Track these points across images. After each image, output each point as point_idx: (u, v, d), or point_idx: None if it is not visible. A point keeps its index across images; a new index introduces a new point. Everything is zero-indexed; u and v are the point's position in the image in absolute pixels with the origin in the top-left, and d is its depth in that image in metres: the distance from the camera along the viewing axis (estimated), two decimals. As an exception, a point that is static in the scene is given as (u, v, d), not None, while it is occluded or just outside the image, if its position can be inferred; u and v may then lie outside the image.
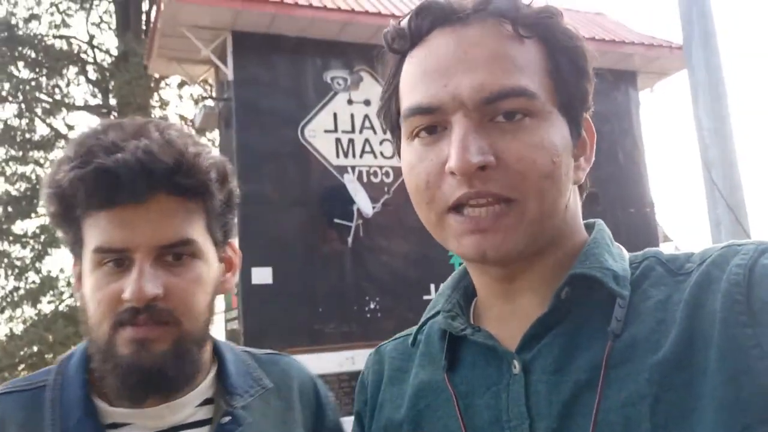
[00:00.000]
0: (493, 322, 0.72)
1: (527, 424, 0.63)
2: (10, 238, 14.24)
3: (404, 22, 0.70)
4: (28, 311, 14.01)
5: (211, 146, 0.91)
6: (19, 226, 14.49)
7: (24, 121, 14.62)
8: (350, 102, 8.74)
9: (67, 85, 14.88)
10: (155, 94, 15.09)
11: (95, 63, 15.25)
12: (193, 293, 0.87)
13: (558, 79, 0.67)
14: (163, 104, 15.45)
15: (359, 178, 8.54)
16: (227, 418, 0.90)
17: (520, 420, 0.63)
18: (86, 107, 15.12)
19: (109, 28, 15.53)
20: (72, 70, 14.93)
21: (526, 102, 0.64)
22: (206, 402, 0.93)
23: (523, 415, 0.63)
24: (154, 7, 15.07)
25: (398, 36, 0.70)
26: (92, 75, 15.24)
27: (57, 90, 14.74)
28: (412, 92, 0.67)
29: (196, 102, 15.25)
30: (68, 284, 14.42)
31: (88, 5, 15.23)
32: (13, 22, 14.24)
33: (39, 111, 14.61)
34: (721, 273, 0.60)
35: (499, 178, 0.62)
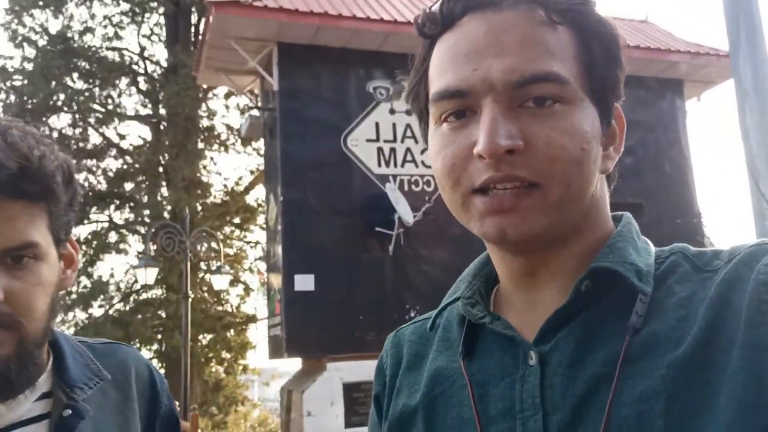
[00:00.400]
0: (512, 311, 0.71)
1: (540, 416, 0.62)
2: (64, 243, 14.69)
3: (436, 7, 0.69)
4: (80, 315, 14.47)
5: (53, 143, 0.90)
6: (73, 233, 14.95)
7: (77, 131, 15.14)
8: (392, 112, 8.83)
9: (119, 95, 15.35)
10: (203, 104, 15.45)
11: (146, 74, 15.70)
12: (35, 296, 0.86)
13: (590, 66, 0.66)
14: (211, 114, 15.80)
15: (400, 186, 8.60)
16: (68, 412, 0.90)
17: (533, 411, 0.63)
18: (137, 117, 15.57)
19: (159, 40, 15.99)
20: (123, 81, 15.40)
21: (558, 88, 0.63)
22: (43, 396, 0.92)
23: (537, 407, 0.63)
24: (203, 20, 15.49)
25: (429, 20, 0.69)
26: (143, 86, 15.69)
27: (109, 100, 15.22)
28: (441, 76, 0.67)
29: (242, 112, 15.56)
30: (118, 289, 14.85)
31: (139, 18, 15.70)
32: (69, 35, 14.80)
33: (92, 121, 15.11)
34: (749, 272, 0.58)
35: (526, 162, 0.62)
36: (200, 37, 9.94)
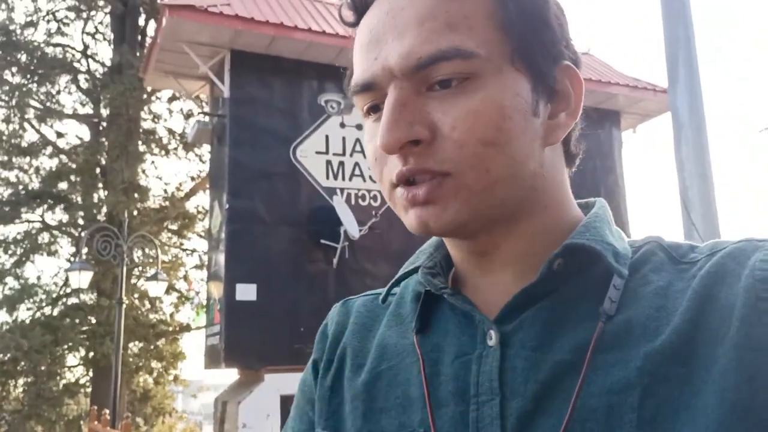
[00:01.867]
0: (470, 292, 0.65)
1: (498, 401, 0.57)
2: (-9, 242, 14.13)
3: None
4: (3, 317, 13.86)
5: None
6: (1, 231, 14.41)
7: (12, 126, 14.60)
8: (342, 125, 8.90)
9: (58, 92, 14.91)
10: (146, 106, 15.16)
11: (88, 72, 15.31)
12: None
13: (509, 27, 0.59)
14: (155, 117, 15.50)
15: (348, 200, 8.66)
16: None
17: (490, 396, 0.57)
18: (76, 116, 15.13)
19: (104, 39, 15.64)
20: (64, 78, 14.98)
21: (462, 63, 0.56)
22: None
23: (495, 391, 0.57)
24: (151, 22, 15.24)
25: (346, 7, 0.65)
26: (83, 84, 15.29)
27: (48, 97, 14.76)
28: (355, 70, 0.63)
29: (187, 117, 15.34)
30: (45, 292, 14.30)
31: (85, 15, 15.33)
32: (12, 27, 14.31)
33: (29, 117, 14.60)
34: (739, 267, 0.54)
35: (434, 152, 0.57)
36: (150, 39, 9.79)
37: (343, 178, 8.77)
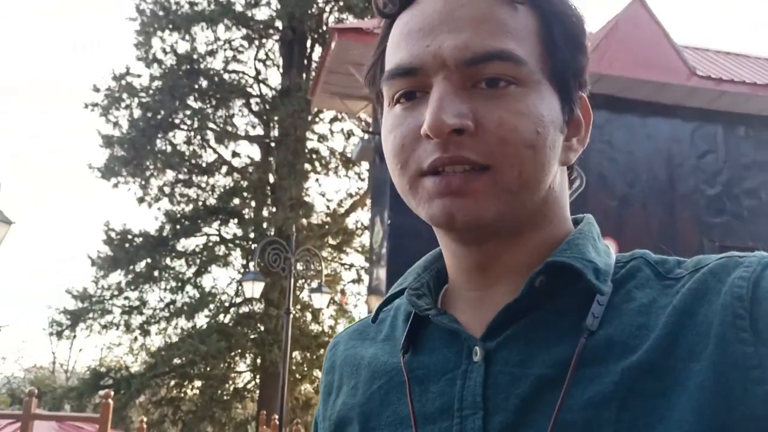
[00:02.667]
0: (461, 309, 0.66)
1: (480, 416, 0.58)
2: (173, 254, 15.50)
3: None
4: (183, 323, 15.11)
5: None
6: (182, 244, 15.76)
7: (192, 147, 15.97)
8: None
9: (232, 116, 16.11)
10: (312, 127, 15.95)
11: (260, 96, 16.41)
12: None
13: (551, 48, 0.62)
14: (321, 137, 16.27)
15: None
16: None
17: (473, 410, 0.58)
18: (248, 137, 16.25)
19: (274, 64, 16.69)
20: (238, 102, 16.16)
21: (512, 67, 0.59)
22: None
23: (478, 406, 0.58)
24: (317, 47, 16.06)
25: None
26: (255, 107, 16.39)
27: (225, 120, 15.99)
28: (394, 54, 0.63)
29: (347, 137, 15.95)
30: (220, 301, 15.40)
31: (257, 43, 16.47)
32: (194, 56, 15.72)
33: (208, 138, 15.90)
34: (719, 284, 0.55)
35: (476, 144, 0.58)
36: (319, 62, 10.27)
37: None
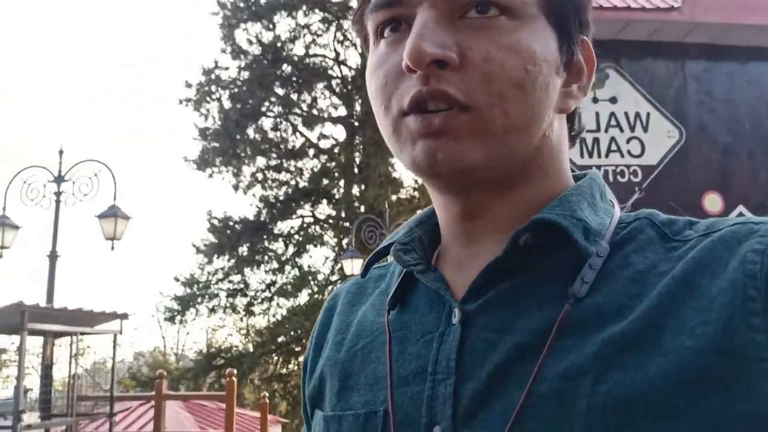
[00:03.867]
0: (450, 266, 0.61)
1: (452, 381, 0.53)
2: (271, 237, 16.10)
3: None
4: (284, 302, 15.71)
5: None
6: (279, 227, 16.34)
7: (280, 133, 16.43)
8: (595, 100, 8.59)
9: (315, 99, 16.43)
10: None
11: (341, 77, 16.64)
12: None
13: None
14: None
15: (605, 177, 8.35)
16: None
17: (445, 375, 0.54)
18: (332, 119, 16.54)
19: (352, 44, 16.84)
20: (320, 85, 16.45)
21: None
22: None
23: (450, 371, 0.54)
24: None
25: None
26: (337, 89, 16.64)
27: (309, 104, 16.35)
28: None
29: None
30: (317, 280, 15.88)
31: (335, 25, 16.67)
32: (278, 44, 16.10)
33: (294, 123, 16.32)
34: (728, 254, 0.49)
35: (458, 79, 0.53)
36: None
37: (599, 155, 8.47)
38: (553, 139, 0.59)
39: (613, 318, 0.50)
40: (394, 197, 15.46)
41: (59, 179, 8.52)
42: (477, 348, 0.54)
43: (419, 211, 0.68)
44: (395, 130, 0.56)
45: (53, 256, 8.25)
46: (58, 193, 8.49)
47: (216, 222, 15.89)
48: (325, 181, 16.08)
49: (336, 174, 16.09)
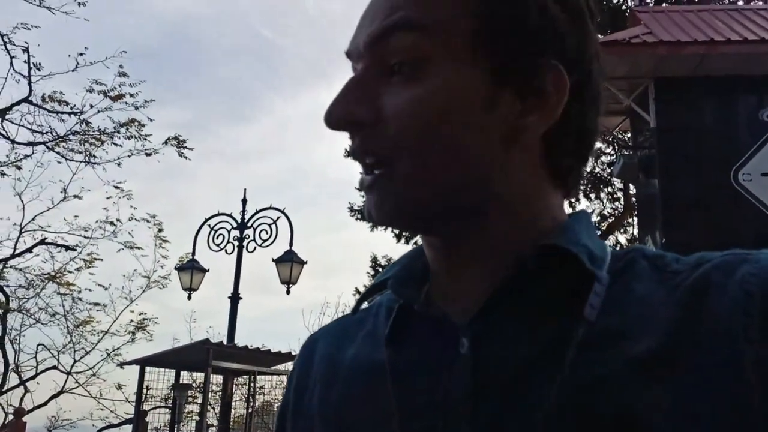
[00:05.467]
0: (441, 298, 0.62)
1: (467, 408, 0.55)
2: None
3: None
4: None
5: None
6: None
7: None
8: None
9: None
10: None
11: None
12: None
13: (474, 7, 0.56)
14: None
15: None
16: None
17: (460, 401, 0.55)
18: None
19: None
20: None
21: (413, 38, 0.55)
22: None
23: (465, 398, 0.55)
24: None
25: None
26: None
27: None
28: None
29: (597, 157, 15.38)
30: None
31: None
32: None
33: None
34: (724, 279, 0.52)
35: (375, 135, 0.56)
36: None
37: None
38: (512, 170, 0.58)
39: (624, 336, 0.53)
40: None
41: (241, 226, 9.13)
42: (488, 372, 0.56)
43: (413, 248, 0.70)
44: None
45: (235, 298, 8.80)
46: (240, 239, 9.09)
47: (379, 268, 16.25)
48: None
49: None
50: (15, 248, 11.12)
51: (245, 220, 9.10)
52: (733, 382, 0.48)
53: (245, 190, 9.25)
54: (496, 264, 0.59)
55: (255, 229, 9.04)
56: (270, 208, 9.20)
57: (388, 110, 0.56)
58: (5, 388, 11.20)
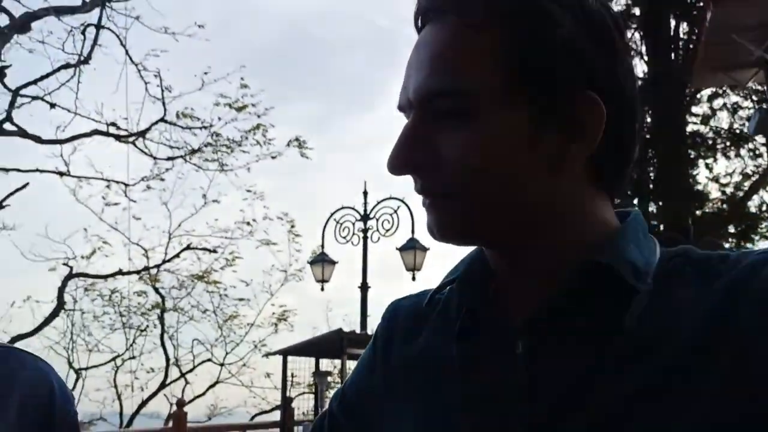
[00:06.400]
0: (509, 300, 0.69)
1: (526, 405, 0.61)
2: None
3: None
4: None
5: None
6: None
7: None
8: None
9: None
10: (688, 110, 14.78)
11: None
12: None
13: (509, 63, 0.61)
14: (703, 119, 14.98)
15: None
16: None
17: (518, 400, 0.62)
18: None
19: (637, 53, 15.94)
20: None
21: (459, 99, 0.62)
22: None
23: (520, 398, 0.62)
24: (682, 25, 14.90)
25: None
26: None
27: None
28: None
29: (733, 111, 14.33)
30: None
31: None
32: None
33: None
34: (755, 280, 0.56)
35: (434, 177, 0.64)
36: (693, 38, 9.54)
37: None
38: (559, 203, 0.65)
39: (661, 346, 0.57)
40: (698, 212, 14.10)
41: (365, 218, 9.42)
42: (540, 375, 0.62)
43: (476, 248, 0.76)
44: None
45: (364, 287, 9.11)
46: (364, 230, 9.39)
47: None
48: (616, 200, 15.33)
49: (629, 191, 15.26)
50: (166, 253, 12.11)
51: (367, 212, 9.38)
52: (753, 383, 0.52)
53: (365, 182, 9.54)
54: (552, 275, 0.64)
55: (378, 220, 9.31)
56: (390, 198, 9.41)
57: (443, 154, 0.63)
58: (168, 381, 12.26)
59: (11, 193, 9.77)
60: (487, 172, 0.62)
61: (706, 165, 14.93)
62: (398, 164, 0.65)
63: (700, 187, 14.54)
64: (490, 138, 0.62)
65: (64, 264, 11.19)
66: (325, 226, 9.82)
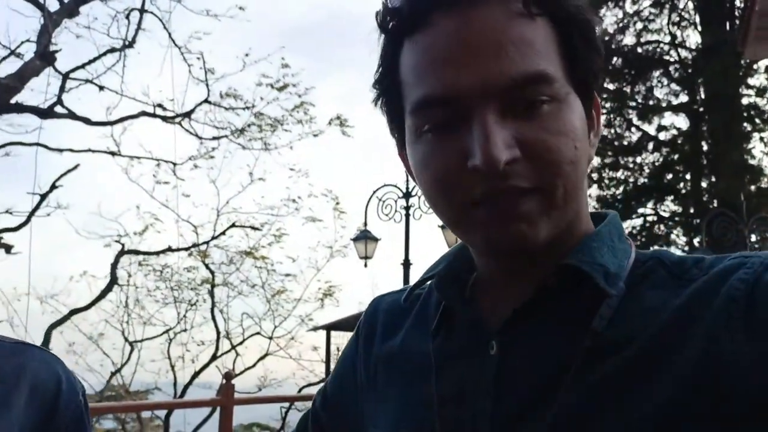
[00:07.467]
0: (486, 298, 0.69)
1: (490, 405, 0.62)
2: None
3: (398, 1, 0.64)
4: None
5: None
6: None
7: (612, 130, 15.76)
8: None
9: (651, 89, 15.39)
10: (744, 82, 14.25)
11: (679, 62, 15.35)
12: None
13: (572, 55, 0.62)
14: (759, 92, 14.43)
15: None
16: None
17: (484, 399, 0.63)
18: (671, 107, 15.33)
19: (690, 24, 15.42)
20: (655, 73, 15.38)
21: (547, 87, 0.59)
22: None
23: (489, 394, 0.63)
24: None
25: (393, 16, 0.64)
26: (675, 74, 15.38)
27: (644, 95, 15.41)
28: (421, 83, 0.61)
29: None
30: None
31: (668, 6, 15.47)
32: (606, 38, 15.57)
33: (628, 117, 15.53)
34: (721, 285, 0.57)
35: (523, 170, 0.58)
36: (746, 8, 9.17)
37: None
38: (584, 191, 0.66)
39: (626, 348, 0.58)
40: (752, 187, 13.66)
41: (407, 195, 9.45)
42: (511, 375, 0.63)
43: (458, 244, 0.75)
44: (461, 218, 0.62)
45: (407, 264, 9.18)
46: (406, 208, 9.42)
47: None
48: (669, 176, 14.96)
49: (680, 167, 14.86)
50: (215, 230, 12.40)
51: (409, 189, 9.41)
52: (715, 388, 0.52)
53: (408, 158, 9.48)
54: (531, 275, 0.65)
55: (420, 198, 9.32)
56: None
57: (533, 144, 0.59)
58: (219, 353, 12.62)
59: (64, 173, 10.09)
60: (576, 161, 0.61)
61: (761, 139, 14.41)
62: (498, 158, 0.57)
63: (754, 162, 14.07)
64: (575, 126, 0.61)
65: (116, 241, 11.55)
66: (367, 204, 9.90)
